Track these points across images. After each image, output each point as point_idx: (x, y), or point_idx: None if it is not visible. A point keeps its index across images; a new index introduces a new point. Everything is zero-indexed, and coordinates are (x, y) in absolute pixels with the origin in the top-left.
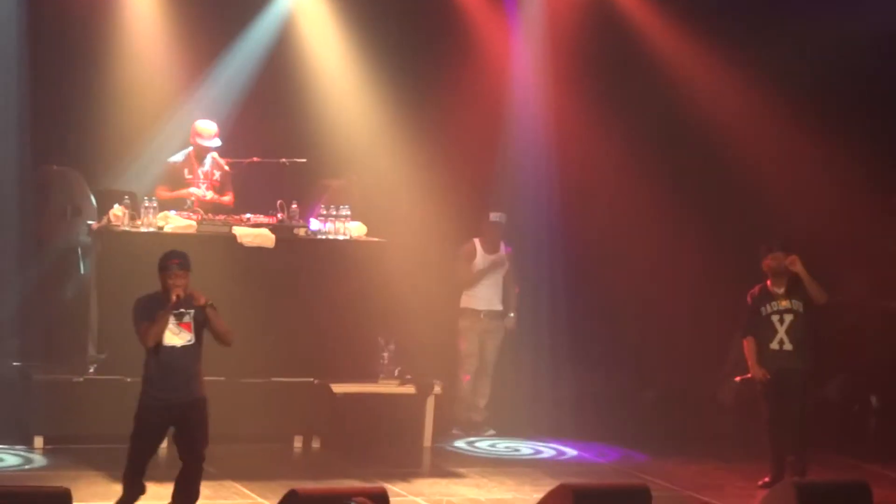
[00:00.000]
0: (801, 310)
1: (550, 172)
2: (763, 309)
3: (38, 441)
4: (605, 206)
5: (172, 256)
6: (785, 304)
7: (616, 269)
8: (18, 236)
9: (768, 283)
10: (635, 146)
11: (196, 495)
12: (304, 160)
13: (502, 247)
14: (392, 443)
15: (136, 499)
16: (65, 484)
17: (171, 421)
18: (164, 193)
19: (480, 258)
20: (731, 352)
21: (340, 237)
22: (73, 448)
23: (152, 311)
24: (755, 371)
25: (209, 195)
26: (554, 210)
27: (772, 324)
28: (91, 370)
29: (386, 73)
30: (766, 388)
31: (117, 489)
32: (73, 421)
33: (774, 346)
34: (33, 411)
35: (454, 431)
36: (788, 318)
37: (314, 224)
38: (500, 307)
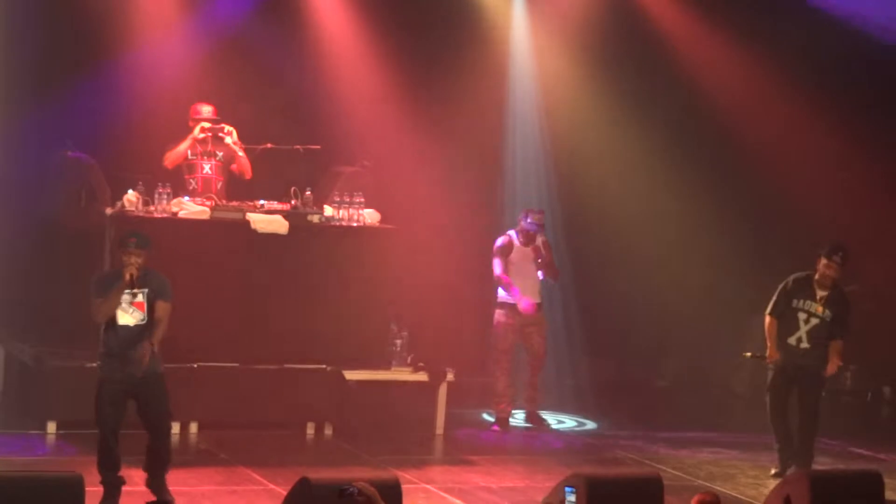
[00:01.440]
0: (828, 319)
1: (562, 159)
2: (795, 301)
3: (52, 426)
4: (618, 194)
5: (131, 235)
6: (818, 309)
7: (629, 256)
8: (33, 222)
9: (816, 277)
10: (647, 133)
11: (168, 455)
12: (318, 147)
13: (538, 238)
14: (404, 430)
15: (118, 491)
16: (77, 469)
17: (129, 396)
18: (171, 153)
19: (516, 251)
20: (747, 341)
21: (354, 224)
22: (86, 433)
23: (108, 287)
24: (773, 353)
25: (220, 154)
26: (565, 198)
27: (797, 319)
28: None
29: (401, 60)
30: (774, 378)
31: (129, 475)
32: (86, 406)
33: (792, 341)
34: (46, 396)
35: (493, 428)
36: (814, 321)
37: (328, 211)
38: (539, 299)
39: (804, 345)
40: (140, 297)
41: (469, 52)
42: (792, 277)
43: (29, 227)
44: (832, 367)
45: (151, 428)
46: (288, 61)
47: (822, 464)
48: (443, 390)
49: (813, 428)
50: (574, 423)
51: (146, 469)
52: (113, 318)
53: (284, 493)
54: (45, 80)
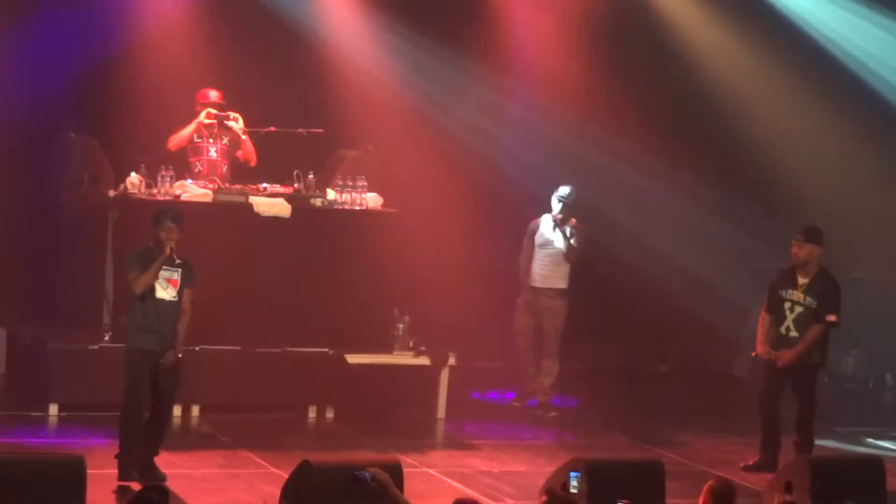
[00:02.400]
0: (813, 306)
1: (565, 144)
2: (781, 291)
3: (53, 408)
4: (621, 181)
5: (167, 211)
6: (799, 296)
7: (632, 242)
8: (36, 203)
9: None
10: (650, 118)
11: (164, 434)
12: (320, 130)
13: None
14: (406, 414)
15: (133, 467)
16: (79, 451)
17: (152, 370)
18: (175, 136)
19: (541, 235)
20: (748, 325)
21: (357, 208)
22: (88, 415)
23: (145, 261)
24: (759, 347)
25: (225, 140)
26: (568, 182)
27: (783, 310)
28: (106, 338)
29: (404, 41)
30: (768, 367)
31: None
32: (88, 388)
33: (782, 330)
34: (49, 378)
35: (506, 396)
36: (798, 309)
37: (330, 194)
38: (560, 285)
39: (793, 333)
40: (175, 276)
41: (473, 36)
42: (777, 269)
43: (31, 209)
44: (783, 358)
45: (157, 406)
46: (292, 45)
47: (823, 450)
48: (445, 374)
49: (810, 416)
50: (575, 408)
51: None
52: (151, 291)
53: (286, 476)
54: (50, 62)
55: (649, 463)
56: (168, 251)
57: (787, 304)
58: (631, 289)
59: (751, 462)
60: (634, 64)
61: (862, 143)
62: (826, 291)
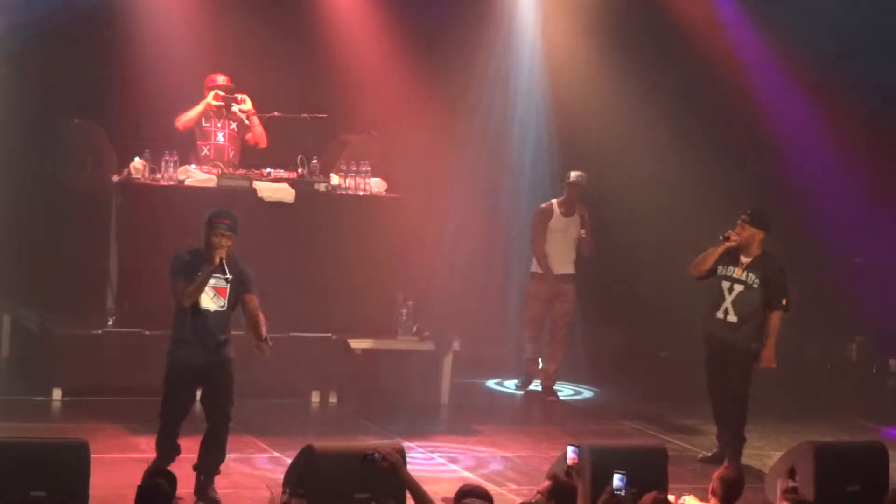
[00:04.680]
0: (755, 285)
1: (568, 129)
2: (721, 268)
3: (57, 393)
4: (625, 165)
5: (223, 216)
6: (740, 274)
7: (636, 228)
8: (39, 189)
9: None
10: (653, 108)
11: (223, 455)
12: (324, 115)
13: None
14: (409, 399)
15: (171, 460)
16: (83, 436)
17: (199, 382)
18: (183, 115)
19: (556, 220)
20: None
21: (360, 193)
22: (92, 400)
23: (191, 267)
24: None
25: (235, 127)
26: (571, 167)
27: (721, 289)
28: (110, 323)
29: (408, 28)
30: (706, 357)
31: (135, 442)
32: (91, 373)
33: (720, 314)
34: (52, 363)
35: (518, 390)
36: (738, 288)
37: (334, 179)
38: (572, 270)
39: (731, 318)
40: (222, 283)
41: (476, 21)
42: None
43: (35, 194)
44: (765, 361)
45: (214, 415)
46: (296, 29)
47: (827, 436)
48: (448, 360)
49: (738, 413)
50: (579, 393)
51: (199, 469)
52: (195, 302)
53: (289, 460)
54: (53, 46)
55: (653, 448)
56: (218, 261)
57: (727, 284)
58: (635, 275)
59: (709, 454)
60: (639, 43)
61: (864, 129)
62: (772, 275)
